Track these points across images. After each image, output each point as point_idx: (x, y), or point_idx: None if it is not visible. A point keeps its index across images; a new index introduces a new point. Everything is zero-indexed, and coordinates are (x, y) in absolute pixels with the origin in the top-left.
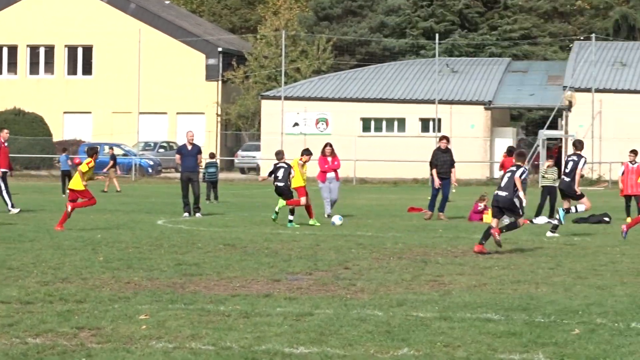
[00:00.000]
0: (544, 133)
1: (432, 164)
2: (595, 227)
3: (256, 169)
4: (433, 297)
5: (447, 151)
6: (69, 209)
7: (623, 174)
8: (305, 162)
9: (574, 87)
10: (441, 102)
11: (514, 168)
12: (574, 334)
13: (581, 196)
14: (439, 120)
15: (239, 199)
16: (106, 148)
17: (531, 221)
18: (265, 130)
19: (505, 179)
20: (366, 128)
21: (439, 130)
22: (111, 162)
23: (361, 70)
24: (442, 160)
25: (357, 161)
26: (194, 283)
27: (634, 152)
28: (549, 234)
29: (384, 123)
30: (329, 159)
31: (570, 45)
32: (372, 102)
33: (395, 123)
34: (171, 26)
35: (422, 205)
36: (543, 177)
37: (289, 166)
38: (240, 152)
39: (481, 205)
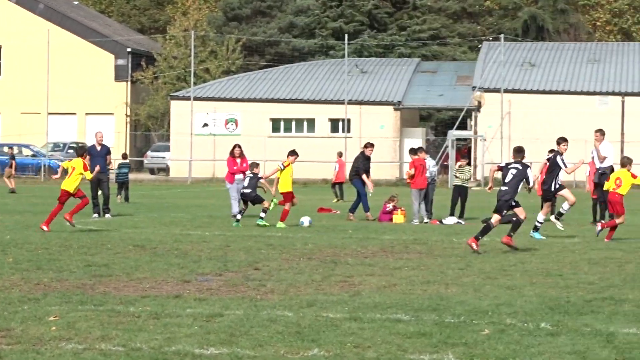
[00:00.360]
0: (453, 133)
1: (362, 170)
2: (504, 227)
3: (165, 170)
4: (343, 298)
5: (369, 158)
6: (68, 218)
7: (541, 173)
8: (289, 164)
9: (483, 87)
10: (350, 102)
11: (518, 165)
12: (483, 334)
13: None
14: (349, 120)
15: (148, 199)
16: (5, 148)
17: (441, 221)
18: (174, 131)
19: (510, 176)
20: (276, 128)
21: (348, 131)
22: (11, 162)
23: (270, 71)
24: (367, 166)
25: (266, 162)
26: (103, 284)
27: (553, 151)
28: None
29: (294, 123)
30: (238, 160)
31: (479, 46)
32: (281, 103)
33: (305, 123)
34: (80, 26)
35: (331, 206)
36: (455, 176)
37: (256, 176)
38: (149, 153)
39: (390, 206)
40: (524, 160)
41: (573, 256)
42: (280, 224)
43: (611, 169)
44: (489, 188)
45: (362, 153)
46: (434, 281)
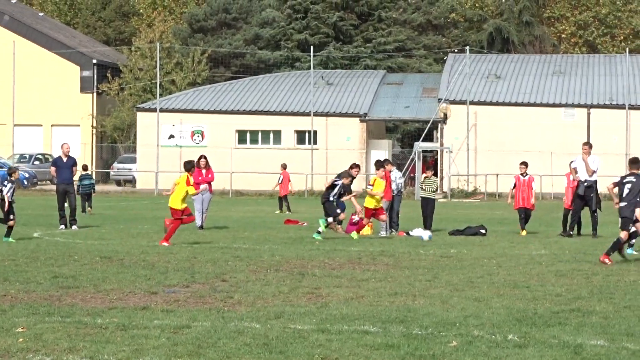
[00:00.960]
0: (420, 145)
1: (348, 192)
2: (471, 239)
3: (132, 181)
4: (311, 310)
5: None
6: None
7: (515, 187)
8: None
9: (449, 99)
10: (317, 114)
11: (632, 178)
12: (451, 346)
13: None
14: (315, 132)
15: (115, 211)
16: None
17: (408, 233)
18: (140, 143)
19: (627, 190)
20: (242, 140)
21: (315, 143)
22: None
23: (236, 83)
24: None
25: (233, 173)
26: (70, 296)
27: (525, 164)
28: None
29: (260, 135)
30: (203, 171)
31: (445, 58)
32: (247, 115)
33: (271, 135)
34: (45, 38)
35: (298, 218)
36: (421, 188)
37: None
38: (115, 164)
39: (356, 218)
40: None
41: (540, 268)
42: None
43: (595, 182)
44: (616, 204)
45: (350, 176)
46: (402, 293)
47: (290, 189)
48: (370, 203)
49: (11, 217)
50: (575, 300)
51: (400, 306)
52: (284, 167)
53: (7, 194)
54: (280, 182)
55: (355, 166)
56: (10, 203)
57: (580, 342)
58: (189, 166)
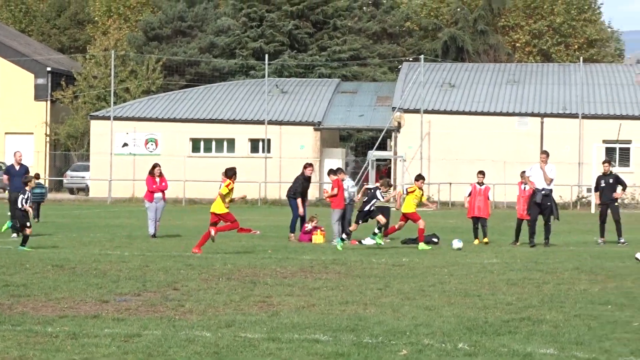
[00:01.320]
0: (373, 154)
1: (299, 192)
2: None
3: (85, 190)
4: (262, 318)
5: (309, 179)
6: (213, 232)
7: (470, 195)
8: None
9: (403, 108)
10: (271, 122)
11: None
12: (401, 354)
13: None
14: (269, 140)
15: (67, 219)
16: None
17: (360, 242)
18: (94, 151)
19: None
20: (196, 148)
21: (269, 151)
22: None
23: (191, 91)
24: (306, 187)
25: (186, 182)
26: (21, 304)
27: (482, 173)
28: None
29: (214, 143)
30: (157, 179)
31: (399, 67)
32: (201, 123)
33: (225, 143)
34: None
35: (251, 226)
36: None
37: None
38: (69, 173)
39: (309, 226)
40: None
41: (491, 277)
42: (421, 245)
43: (551, 191)
44: None
45: (302, 174)
46: (353, 301)
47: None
48: (409, 207)
49: (28, 224)
50: (525, 309)
51: (351, 315)
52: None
53: (26, 204)
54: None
55: (309, 165)
56: (26, 212)
57: (529, 350)
58: (230, 173)
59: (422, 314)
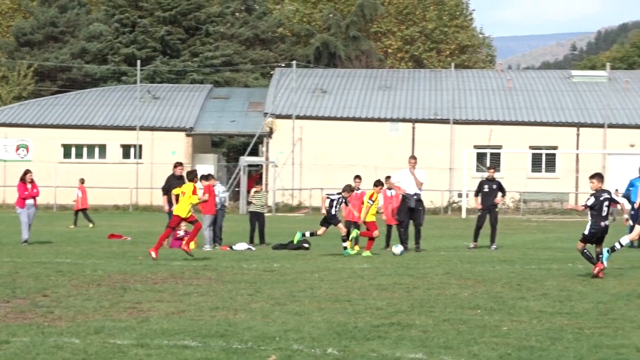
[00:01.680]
0: (245, 159)
1: (164, 191)
2: (294, 253)
3: None
4: (131, 324)
5: (181, 177)
6: (186, 248)
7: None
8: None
9: (275, 113)
10: (142, 128)
11: (607, 195)
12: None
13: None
14: (140, 146)
15: None
16: None
17: (231, 247)
18: None
19: (605, 209)
20: (67, 154)
21: (140, 157)
22: None
23: (62, 97)
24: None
25: (57, 188)
26: None
27: (359, 178)
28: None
29: (85, 149)
30: (29, 185)
31: (272, 72)
32: (73, 129)
33: (97, 149)
34: None
35: (122, 232)
36: (250, 202)
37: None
38: None
39: (180, 232)
40: None
41: (362, 282)
42: (366, 253)
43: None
44: None
45: (173, 174)
46: (223, 307)
47: (78, 205)
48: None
49: None
50: (395, 314)
51: (221, 320)
52: (82, 181)
53: None
54: (80, 196)
55: (179, 164)
56: None
57: (398, 355)
58: (191, 176)
59: (292, 320)
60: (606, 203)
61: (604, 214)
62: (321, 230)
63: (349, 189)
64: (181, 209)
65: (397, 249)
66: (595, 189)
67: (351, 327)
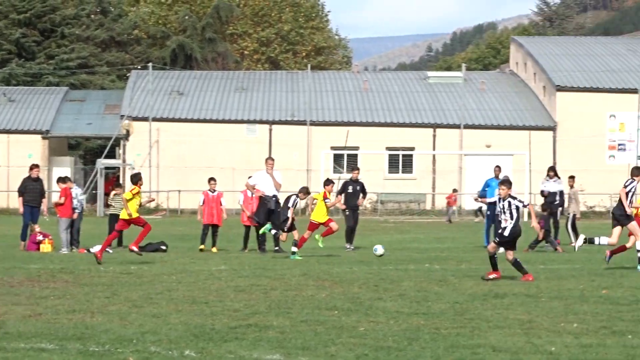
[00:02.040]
0: (102, 162)
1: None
2: (152, 255)
3: None
4: None
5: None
6: (135, 249)
7: (204, 202)
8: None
9: (132, 116)
10: None
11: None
12: None
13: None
14: None
15: None
16: None
17: (88, 250)
18: None
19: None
20: None
21: None
22: None
23: None
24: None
25: None
26: None
27: (214, 180)
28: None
29: None
30: None
31: (128, 75)
32: None
33: None
34: None
35: None
36: (110, 205)
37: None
38: None
39: (40, 237)
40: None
41: (219, 283)
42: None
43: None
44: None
45: (29, 176)
46: (80, 310)
47: None
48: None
49: None
50: (252, 315)
51: (78, 323)
52: None
53: None
54: None
55: (35, 166)
56: None
57: (256, 356)
58: (135, 179)
59: (149, 322)
60: (512, 207)
61: (513, 218)
62: (283, 235)
63: (305, 190)
64: (125, 212)
65: (380, 249)
66: (504, 196)
67: (208, 328)
